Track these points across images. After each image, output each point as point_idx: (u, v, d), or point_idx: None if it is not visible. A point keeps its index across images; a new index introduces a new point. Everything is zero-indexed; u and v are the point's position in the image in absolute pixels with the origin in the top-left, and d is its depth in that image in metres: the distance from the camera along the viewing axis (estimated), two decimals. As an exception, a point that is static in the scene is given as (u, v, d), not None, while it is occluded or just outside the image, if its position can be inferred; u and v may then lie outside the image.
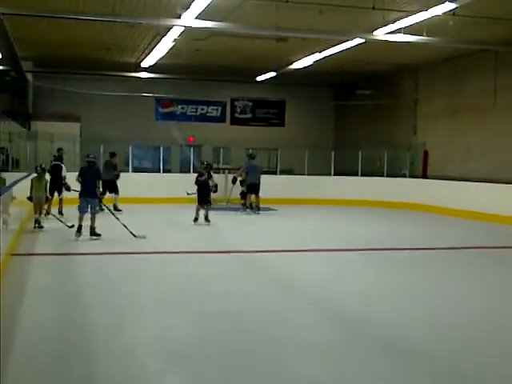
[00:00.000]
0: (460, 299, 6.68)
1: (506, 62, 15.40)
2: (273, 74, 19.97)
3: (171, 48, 15.64)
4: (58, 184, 12.91)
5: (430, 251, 10.17)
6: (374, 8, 11.05)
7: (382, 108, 21.00)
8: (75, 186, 10.88)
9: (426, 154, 18.87)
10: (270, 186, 15.71)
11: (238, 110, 24.16)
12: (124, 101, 21.43)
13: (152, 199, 16.43)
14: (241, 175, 15.28)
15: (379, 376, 4.25)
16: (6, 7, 11.19)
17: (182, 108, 23.46)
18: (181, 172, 19.84)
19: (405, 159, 19.10)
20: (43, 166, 11.44)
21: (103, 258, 8.86)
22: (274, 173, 19.26)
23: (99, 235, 10.09)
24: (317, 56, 16.47)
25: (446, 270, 8.48)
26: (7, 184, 9.11)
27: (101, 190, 10.25)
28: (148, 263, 8.50)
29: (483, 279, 7.84)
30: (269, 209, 15.84)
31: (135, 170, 18.41)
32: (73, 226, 10.91)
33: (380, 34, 12.81)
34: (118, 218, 10.65)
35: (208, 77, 21.14)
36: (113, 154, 14.98)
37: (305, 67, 18.00)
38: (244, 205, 15.10)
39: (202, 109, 23.66)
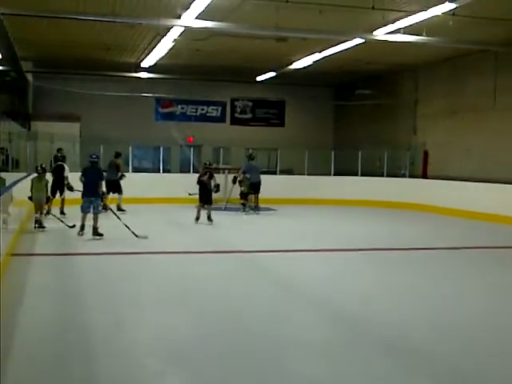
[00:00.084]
0: (460, 299, 6.68)
1: (505, 62, 15.40)
2: (273, 74, 19.98)
3: (171, 48, 15.64)
4: (61, 184, 12.95)
5: (430, 251, 10.17)
6: (373, 8, 11.05)
7: (381, 108, 21.00)
8: (78, 186, 10.91)
9: (425, 154, 18.87)
10: (270, 185, 15.72)
11: (238, 110, 24.16)
12: (124, 101, 21.43)
13: (152, 199, 16.43)
14: (240, 175, 15.29)
15: (379, 376, 4.25)
16: (6, 7, 11.19)
17: (182, 108, 23.46)
18: (181, 172, 19.84)
19: (405, 159, 19.10)
20: (43, 165, 11.44)
21: (103, 258, 8.86)
22: (274, 173, 19.25)
23: (102, 235, 10.10)
24: (317, 56, 16.47)
25: (446, 269, 8.48)
26: (7, 184, 9.11)
27: (103, 190, 10.22)
28: (148, 263, 8.51)
29: (483, 279, 7.85)
30: (269, 209, 15.85)
31: (135, 170, 18.41)
32: (74, 226, 10.94)
33: (380, 34, 12.81)
34: (119, 218, 10.66)
35: (208, 77, 21.14)
36: (118, 155, 15.02)
37: (305, 67, 18.01)
38: (244, 205, 15.11)
39: (202, 109, 23.66)
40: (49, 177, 12.67)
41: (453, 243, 11.13)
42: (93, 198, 10.10)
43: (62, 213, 12.96)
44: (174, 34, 13.71)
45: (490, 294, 7.00)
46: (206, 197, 12.63)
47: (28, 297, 6.19)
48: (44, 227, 10.92)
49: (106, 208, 11.57)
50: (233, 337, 5.05)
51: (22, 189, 10.60)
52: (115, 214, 10.98)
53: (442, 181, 16.54)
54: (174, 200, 16.37)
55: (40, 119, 19.17)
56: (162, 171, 18.53)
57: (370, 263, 8.83)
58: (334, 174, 18.79)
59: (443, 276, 8.00)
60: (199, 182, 12.78)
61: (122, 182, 14.46)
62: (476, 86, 16.69)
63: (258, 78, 21.11)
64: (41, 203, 10.97)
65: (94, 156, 10.60)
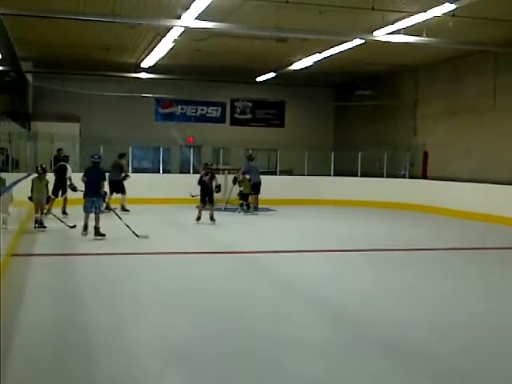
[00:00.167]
0: (460, 299, 6.68)
1: (505, 62, 15.41)
2: (273, 74, 19.98)
3: (171, 48, 15.64)
4: (63, 184, 13.00)
5: (430, 251, 10.17)
6: (373, 9, 11.05)
7: (381, 109, 21.01)
8: (80, 186, 10.96)
9: (425, 154, 18.88)
10: (270, 186, 15.73)
11: (238, 110, 24.16)
12: (124, 101, 21.43)
13: (152, 200, 16.44)
14: (240, 176, 15.31)
15: (379, 376, 4.25)
16: (6, 7, 11.19)
17: (182, 108, 23.46)
18: (181, 172, 19.85)
19: (405, 160, 19.10)
20: (43, 166, 11.45)
21: (103, 258, 8.87)
22: (274, 173, 19.26)
23: (103, 235, 10.12)
24: (317, 57, 16.47)
25: (446, 270, 8.48)
26: (7, 184, 9.11)
27: (104, 190, 10.26)
28: (148, 263, 8.51)
29: (483, 279, 7.85)
30: (268, 209, 15.85)
31: (135, 171, 18.39)
32: (74, 226, 10.98)
33: (380, 35, 12.82)
34: (121, 218, 10.68)
35: (208, 77, 21.15)
36: (122, 155, 15.13)
37: (305, 68, 18.01)
38: (242, 205, 15.15)
39: (202, 109, 23.67)
40: (51, 177, 12.76)
41: (453, 244, 11.13)
42: (94, 198, 10.14)
43: (64, 213, 13.00)
44: (174, 34, 13.71)
45: (490, 294, 7.01)
46: (207, 197, 12.74)
47: (28, 297, 6.19)
48: (45, 227, 10.93)
49: (108, 208, 11.60)
50: (233, 337, 5.05)
51: (22, 189, 10.60)
52: (116, 214, 11.00)
53: (441, 181, 16.54)
54: (174, 200, 16.38)
55: (40, 119, 19.18)
56: (161, 172, 18.54)
57: (370, 263, 8.84)
58: (334, 175, 18.80)
59: (443, 276, 8.01)
60: (201, 182, 12.84)
61: (125, 182, 14.50)
62: (476, 87, 16.70)
63: (258, 79, 21.11)
64: (41, 203, 10.98)
65: (96, 156, 10.63)
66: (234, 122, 24.07)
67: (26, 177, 12.18)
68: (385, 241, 11.34)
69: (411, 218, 15.68)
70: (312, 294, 6.79)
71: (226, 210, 14.98)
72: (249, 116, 24.24)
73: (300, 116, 24.22)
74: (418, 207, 16.62)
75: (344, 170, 18.75)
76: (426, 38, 12.62)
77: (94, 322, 5.39)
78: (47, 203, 11.33)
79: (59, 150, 17.09)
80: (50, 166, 16.06)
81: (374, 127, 21.49)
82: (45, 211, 11.38)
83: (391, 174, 18.50)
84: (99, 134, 18.65)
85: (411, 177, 18.63)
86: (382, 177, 18.48)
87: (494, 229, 13.22)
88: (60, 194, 13.17)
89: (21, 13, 11.70)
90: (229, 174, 16.69)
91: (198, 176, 13.29)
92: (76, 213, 10.95)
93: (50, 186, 11.73)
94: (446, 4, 10.53)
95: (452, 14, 11.15)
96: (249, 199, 15.23)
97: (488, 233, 12.78)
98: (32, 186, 11.01)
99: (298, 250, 9.79)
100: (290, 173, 20.18)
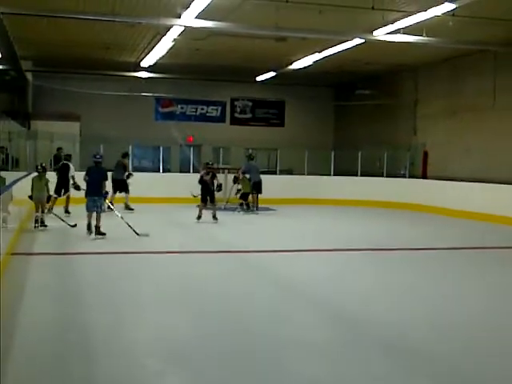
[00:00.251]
0: (460, 299, 6.68)
1: (505, 62, 15.41)
2: (272, 73, 19.98)
3: (171, 48, 15.64)
4: (65, 183, 13.03)
5: (430, 251, 10.18)
6: (373, 8, 11.06)
7: (381, 108, 21.00)
8: (83, 185, 11.02)
9: (425, 154, 18.88)
10: (270, 185, 15.72)
11: (238, 109, 24.16)
12: (124, 100, 21.42)
13: (152, 199, 16.43)
14: (240, 175, 15.33)
15: (379, 376, 4.25)
16: (6, 6, 11.20)
17: (182, 108, 23.46)
18: (181, 172, 19.84)
19: (404, 159, 19.10)
20: (43, 165, 11.45)
21: (103, 257, 8.87)
22: (274, 173, 19.25)
23: (104, 234, 10.14)
24: (316, 56, 16.47)
25: (446, 269, 8.48)
26: (7, 183, 9.11)
27: (105, 189, 10.32)
28: (148, 263, 8.51)
29: (483, 279, 7.85)
30: (268, 209, 15.85)
31: (135, 170, 18.36)
32: (75, 226, 11.02)
33: (379, 35, 12.82)
34: (122, 217, 10.72)
35: (208, 76, 21.14)
36: (125, 155, 15.24)
37: (304, 67, 18.01)
38: (241, 205, 15.17)
39: (202, 109, 23.66)
40: (53, 175, 12.88)
41: (452, 243, 11.14)
42: (96, 197, 10.18)
43: (67, 211, 13.05)
44: (174, 33, 13.71)
45: (490, 294, 7.00)
46: (209, 196, 12.86)
47: (28, 296, 6.19)
48: (45, 226, 10.95)
49: (111, 208, 11.63)
50: (233, 337, 5.05)
51: (22, 188, 10.60)
52: (117, 213, 11.04)
53: (441, 181, 16.54)
54: (174, 200, 16.39)
55: (40, 118, 19.18)
56: (161, 171, 18.54)
57: (370, 263, 8.84)
58: (334, 174, 18.79)
59: (443, 276, 8.01)
60: (202, 181, 12.89)
61: (128, 181, 14.56)
62: (475, 86, 16.70)
63: (258, 78, 21.11)
64: (41, 202, 10.98)
65: (98, 156, 10.68)
66: (234, 121, 24.07)
67: (26, 176, 12.18)
68: (385, 240, 11.34)
69: (411, 217, 15.68)
70: (312, 293, 6.79)
71: (225, 209, 14.99)
72: (249, 115, 24.24)
73: (300, 115, 24.21)
74: (418, 207, 16.62)
75: (344, 169, 18.75)
76: (425, 38, 12.63)
77: (93, 321, 5.39)
78: (48, 202, 11.33)
79: (59, 148, 17.11)
80: (50, 164, 16.08)
81: (373, 127, 21.48)
82: (46, 210, 11.39)
83: (391, 174, 18.50)
84: (99, 133, 18.66)
85: (411, 176, 18.63)
86: (382, 176, 18.47)
87: (494, 228, 13.22)
88: (62, 192, 13.21)
89: (21, 12, 11.70)
90: (229, 173, 16.69)
91: (198, 175, 13.32)
92: (79, 212, 10.95)
93: (51, 185, 11.73)
94: (446, 3, 10.54)
95: (452, 13, 11.16)
96: (248, 198, 15.25)
97: (488, 232, 12.78)
98: (32, 185, 11.01)
99: (297, 250, 9.79)
100: (289, 172, 20.17)
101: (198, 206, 13.06)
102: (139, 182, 15.89)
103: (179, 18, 11.93)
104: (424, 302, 6.48)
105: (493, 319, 5.88)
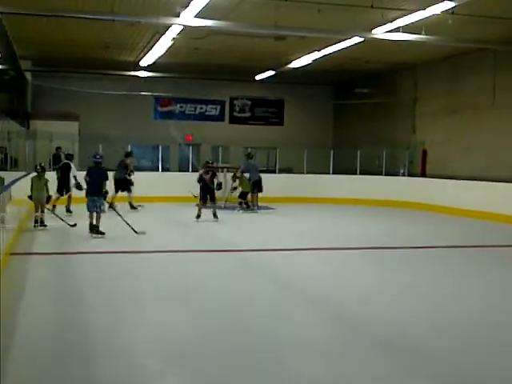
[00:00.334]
0: (459, 297, 6.68)
1: (504, 60, 15.41)
2: (272, 72, 19.97)
3: (170, 47, 15.63)
4: (67, 182, 13.05)
5: (429, 249, 10.18)
6: (372, 7, 11.06)
7: (380, 107, 21.01)
8: (84, 184, 11.05)
9: (424, 152, 18.88)
10: (269, 184, 15.71)
11: (237, 108, 24.16)
12: (123, 100, 21.42)
13: (151, 198, 16.42)
14: (238, 173, 15.35)
15: (379, 375, 4.25)
16: (5, 6, 11.18)
17: (181, 107, 23.46)
18: (180, 171, 19.84)
19: (404, 158, 19.10)
20: (43, 164, 11.45)
21: (103, 256, 8.86)
22: (273, 171, 19.25)
23: (103, 234, 10.17)
24: (316, 55, 16.46)
25: (446, 268, 8.49)
26: (6, 183, 9.10)
27: (105, 189, 10.36)
28: (148, 262, 8.51)
29: (483, 277, 7.85)
30: (267, 207, 15.85)
31: (134, 169, 18.36)
32: (75, 225, 11.04)
33: (379, 33, 12.82)
34: (120, 215, 10.77)
35: (207, 75, 21.13)
36: (128, 154, 15.26)
37: (304, 66, 18.00)
38: (241, 204, 15.19)
39: (201, 107, 23.67)
40: (52, 175, 12.90)
41: (452, 241, 11.14)
42: (96, 197, 10.23)
43: (69, 211, 13.09)
44: (173, 32, 13.70)
45: (490, 292, 7.00)
46: (209, 195, 12.97)
47: (28, 296, 6.18)
48: (45, 225, 10.95)
49: (112, 207, 11.67)
50: (232, 336, 5.05)
51: (21, 188, 10.60)
52: (116, 212, 11.09)
53: (441, 179, 16.54)
54: (173, 199, 16.40)
55: (39, 118, 19.17)
56: (161, 170, 18.54)
57: (369, 262, 8.83)
58: (333, 173, 18.79)
59: (442, 274, 8.01)
60: (202, 180, 12.92)
61: (132, 178, 14.66)
62: (475, 85, 16.70)
63: (257, 77, 21.10)
64: (41, 202, 10.98)
65: (97, 156, 10.73)
66: (233, 120, 24.06)
67: (25, 175, 12.17)
68: (384, 239, 11.34)
69: (410, 215, 15.68)
70: (311, 292, 6.79)
71: (225, 208, 15.00)
72: (248, 114, 24.24)
73: (299, 114, 24.21)
74: (417, 205, 16.61)
75: (343, 168, 18.75)
76: (425, 36, 12.63)
77: (93, 321, 5.38)
78: (47, 202, 11.32)
79: (58, 148, 17.10)
80: (49, 164, 16.08)
81: (373, 125, 21.48)
82: (48, 209, 11.41)
83: (390, 172, 18.50)
84: (98, 133, 18.66)
85: (410, 175, 18.63)
86: (381, 175, 18.47)
87: (494, 227, 13.22)
88: (64, 192, 13.25)
89: (20, 11, 11.69)
90: (228, 172, 16.69)
91: (197, 174, 13.34)
92: (81, 211, 10.96)
93: (51, 185, 11.73)
94: (446, 2, 10.53)
95: (451, 11, 11.15)
96: (247, 197, 15.25)
97: (487, 230, 12.79)
98: (32, 185, 11.01)
99: (297, 249, 9.79)
100: (289, 171, 20.16)
101: (197, 204, 13.09)
102: (138, 181, 15.86)
103: (178, 16, 11.92)
104: (424, 300, 6.48)
105: (492, 317, 5.88)
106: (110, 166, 14.41)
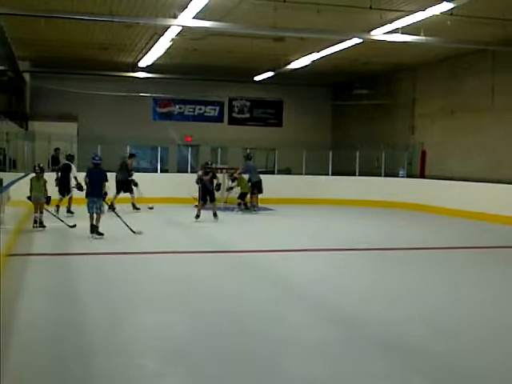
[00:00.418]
0: (458, 298, 6.67)
1: (503, 62, 15.43)
2: (270, 73, 19.96)
3: (169, 48, 15.64)
4: (67, 183, 13.07)
5: (428, 251, 10.18)
6: (371, 8, 11.06)
7: (379, 108, 21.02)
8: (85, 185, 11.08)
9: (423, 153, 18.89)
10: (268, 185, 15.72)
11: (236, 109, 24.16)
12: (121, 101, 21.43)
13: (150, 199, 16.40)
14: (237, 174, 15.37)
15: (377, 376, 4.25)
16: (3, 7, 11.16)
17: (180, 108, 23.46)
18: (178, 172, 19.84)
19: (402, 159, 19.11)
20: (41, 165, 11.45)
21: (101, 257, 8.85)
22: (272, 172, 19.25)
23: (102, 234, 10.20)
24: (314, 56, 16.47)
25: (444, 269, 8.48)
26: (4, 184, 9.08)
27: (105, 190, 10.39)
28: (146, 263, 8.50)
29: (481, 278, 7.85)
30: (266, 208, 15.85)
31: (134, 170, 18.38)
32: (74, 226, 11.05)
33: (377, 34, 12.82)
34: (119, 216, 10.81)
35: (206, 76, 21.14)
36: (130, 155, 15.40)
37: (302, 67, 18.01)
38: (240, 205, 15.19)
39: (200, 108, 23.67)
40: (52, 176, 12.95)
41: (450, 243, 11.15)
42: (95, 198, 10.31)
43: (70, 211, 13.09)
44: (172, 33, 13.70)
45: (488, 293, 6.99)
46: (209, 196, 13.09)
47: (26, 297, 6.18)
48: (44, 226, 10.95)
49: (112, 207, 11.69)
50: (230, 337, 5.05)
51: (20, 189, 10.59)
52: (115, 213, 11.11)
53: (439, 180, 16.55)
54: (172, 200, 16.41)
55: (37, 119, 19.18)
56: (159, 171, 18.53)
57: (368, 263, 8.84)
58: (332, 174, 18.80)
59: (441, 275, 8.00)
60: (201, 181, 12.94)
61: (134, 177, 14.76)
62: (474, 86, 16.72)
63: (256, 78, 21.10)
64: (40, 203, 10.98)
65: (96, 158, 10.80)
66: (232, 121, 24.07)
67: (24, 176, 12.17)
68: (383, 240, 11.34)
69: (409, 217, 15.68)
70: (310, 293, 6.78)
71: (225, 209, 15.02)
72: (247, 115, 24.24)
73: (298, 115, 24.22)
74: (416, 206, 16.62)
75: (342, 169, 18.76)
76: (423, 37, 12.63)
77: (91, 322, 5.38)
78: (47, 203, 11.30)
79: (57, 149, 17.10)
80: (48, 165, 16.07)
81: (371, 126, 21.50)
82: (44, 210, 11.40)
83: (389, 173, 18.51)
84: (97, 134, 18.66)
85: (409, 176, 18.64)
86: (380, 176, 18.48)
87: (493, 228, 13.23)
88: (66, 193, 13.29)
89: (18, 12, 11.68)
90: (227, 173, 16.70)
91: (196, 175, 13.38)
92: (82, 212, 10.96)
93: (49, 186, 11.72)
94: (444, 3, 10.54)
95: (450, 13, 11.17)
96: (246, 198, 15.26)
97: (487, 232, 12.80)
98: (31, 186, 11.02)
99: (296, 250, 9.79)
100: (288, 172, 20.19)
101: (196, 205, 13.15)
102: (138, 182, 15.90)
103: (177, 18, 11.91)
104: (422, 301, 6.48)
105: (491, 319, 5.87)
106: (108, 167, 14.46)
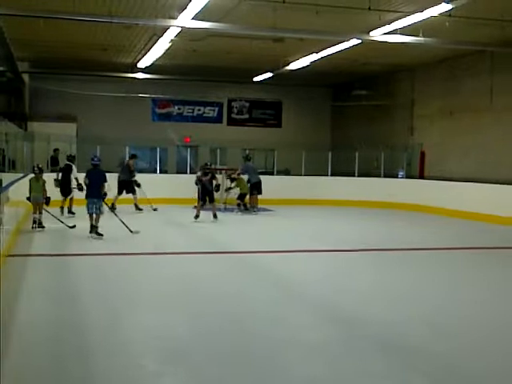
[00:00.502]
0: (458, 298, 6.68)
1: (501, 62, 15.45)
2: (270, 74, 19.96)
3: (168, 49, 15.63)
4: (68, 184, 13.09)
5: (428, 251, 10.19)
6: (370, 9, 11.07)
7: (378, 109, 21.03)
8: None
9: (422, 154, 18.91)
10: (267, 186, 15.73)
11: (235, 110, 24.16)
12: (121, 101, 21.42)
13: (149, 200, 16.40)
14: (236, 175, 15.39)
15: (377, 376, 4.25)
16: (2, 8, 11.15)
17: (179, 108, 23.46)
18: (178, 172, 19.83)
19: (401, 160, 19.12)
20: (40, 166, 11.45)
21: (100, 258, 8.85)
22: (271, 173, 19.26)
23: (102, 235, 10.23)
24: (313, 57, 16.48)
25: (444, 269, 8.49)
26: (3, 184, 9.07)
27: (104, 191, 10.41)
28: (145, 263, 8.50)
29: (481, 279, 7.86)
30: (266, 209, 15.86)
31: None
32: (74, 227, 11.05)
33: (376, 35, 12.83)
34: (117, 215, 10.85)
35: (205, 77, 21.14)
36: (132, 156, 15.47)
37: (302, 68, 18.01)
38: (239, 205, 15.21)
39: (199, 109, 23.67)
40: (52, 176, 12.97)
41: (450, 243, 11.16)
42: (95, 199, 10.35)
43: (71, 212, 13.11)
44: (171, 34, 13.69)
45: (488, 293, 7.00)
46: (208, 196, 13.15)
47: (25, 297, 6.18)
48: (43, 227, 10.95)
49: (113, 208, 11.70)
50: (230, 337, 5.05)
51: (19, 189, 10.59)
52: (114, 213, 11.15)
53: (438, 181, 16.56)
54: (171, 200, 16.41)
55: (36, 120, 19.17)
56: (159, 172, 18.53)
57: (368, 263, 8.84)
58: (331, 175, 18.81)
59: (441, 275, 8.01)
60: (201, 182, 12.96)
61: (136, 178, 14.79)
62: (472, 87, 16.73)
63: (255, 79, 21.10)
64: (39, 203, 10.98)
65: (95, 159, 10.85)
66: (231, 121, 24.07)
67: (23, 177, 12.16)
68: (382, 240, 11.34)
69: (408, 217, 15.68)
70: (309, 293, 6.79)
71: (224, 209, 15.02)
72: (246, 116, 24.25)
73: (297, 116, 24.23)
74: (416, 207, 16.62)
75: (341, 169, 18.76)
76: (422, 38, 12.64)
77: (91, 322, 5.38)
78: (47, 204, 11.30)
79: (56, 150, 17.08)
80: (47, 166, 16.08)
81: (370, 127, 21.51)
82: (43, 211, 11.41)
83: (388, 174, 18.52)
84: (96, 134, 18.66)
85: (408, 176, 18.65)
86: (379, 177, 18.50)
87: (492, 228, 13.23)
88: (67, 193, 13.32)
89: (17, 13, 11.67)
90: (226, 173, 16.71)
91: (195, 176, 13.41)
92: (83, 212, 10.96)
93: (48, 186, 11.73)
94: (443, 4, 10.55)
95: (448, 14, 11.18)
96: (246, 199, 15.27)
97: (485, 232, 12.80)
98: (30, 187, 11.02)
99: (295, 250, 9.80)
100: (287, 173, 20.19)
101: (196, 206, 13.17)
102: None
103: (176, 19, 11.90)
104: (422, 301, 6.48)
105: (491, 319, 5.88)
106: (108, 167, 14.47)
